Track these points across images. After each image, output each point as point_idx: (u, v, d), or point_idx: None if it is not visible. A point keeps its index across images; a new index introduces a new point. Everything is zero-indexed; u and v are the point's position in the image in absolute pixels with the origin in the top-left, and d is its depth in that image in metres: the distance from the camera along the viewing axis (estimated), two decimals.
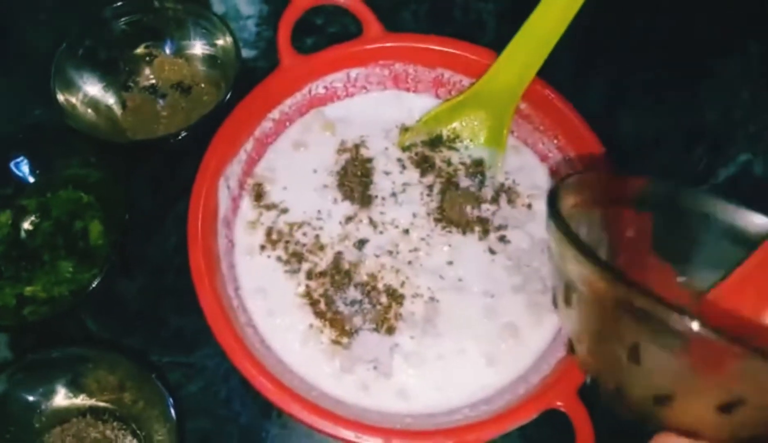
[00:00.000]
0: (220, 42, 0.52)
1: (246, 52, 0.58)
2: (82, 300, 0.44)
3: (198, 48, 0.53)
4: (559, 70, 0.45)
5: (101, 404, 0.42)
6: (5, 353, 0.46)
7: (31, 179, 0.47)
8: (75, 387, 0.42)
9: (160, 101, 0.53)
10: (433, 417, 0.37)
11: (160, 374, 0.41)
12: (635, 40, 0.60)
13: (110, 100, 0.52)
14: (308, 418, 0.34)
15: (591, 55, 0.59)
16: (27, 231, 0.47)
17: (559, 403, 0.34)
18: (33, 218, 0.48)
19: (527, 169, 0.46)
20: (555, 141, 0.45)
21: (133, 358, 0.41)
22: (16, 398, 0.41)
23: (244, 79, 0.50)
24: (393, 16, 0.61)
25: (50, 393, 0.42)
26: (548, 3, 0.41)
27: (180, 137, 0.48)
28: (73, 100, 0.49)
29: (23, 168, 0.47)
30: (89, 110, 0.50)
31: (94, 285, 0.42)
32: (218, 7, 0.61)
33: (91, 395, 0.42)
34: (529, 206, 0.45)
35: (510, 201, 0.45)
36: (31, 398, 0.41)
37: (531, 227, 0.44)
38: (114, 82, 0.52)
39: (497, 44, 0.46)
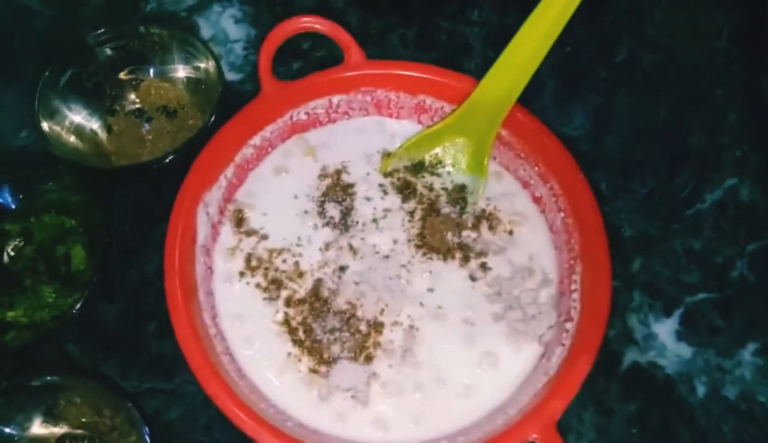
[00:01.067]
0: (203, 65, 0.52)
1: (232, 76, 0.58)
2: (63, 325, 0.44)
3: (181, 71, 0.54)
4: (542, 96, 0.46)
5: (78, 431, 0.42)
6: None
7: (13, 205, 0.48)
8: (52, 415, 0.42)
9: (146, 125, 0.54)
10: None
11: (136, 402, 0.41)
12: (619, 66, 0.60)
13: (95, 125, 0.52)
14: None
15: (574, 81, 0.59)
16: (10, 256, 0.47)
17: (535, 435, 0.34)
18: (16, 242, 0.48)
19: (509, 195, 0.46)
20: (536, 168, 0.45)
21: (110, 385, 0.41)
22: None
23: (230, 102, 0.50)
24: (380, 41, 0.62)
25: (27, 422, 0.41)
26: (527, 30, 0.41)
27: (166, 161, 0.48)
28: (57, 128, 0.49)
29: (5, 194, 0.47)
30: (73, 138, 0.50)
31: (75, 310, 0.42)
32: (207, 31, 0.61)
33: (67, 422, 0.42)
34: (510, 232, 0.45)
35: (491, 227, 0.45)
36: (7, 429, 0.41)
37: (512, 253, 0.44)
38: (99, 107, 0.52)
39: (484, 68, 0.46)
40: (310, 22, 0.45)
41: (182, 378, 0.46)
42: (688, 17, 0.63)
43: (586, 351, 0.37)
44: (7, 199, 0.47)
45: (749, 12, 0.63)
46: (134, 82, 0.54)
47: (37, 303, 0.46)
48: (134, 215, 0.52)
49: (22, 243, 0.48)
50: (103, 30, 0.51)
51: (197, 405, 0.45)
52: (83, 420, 0.42)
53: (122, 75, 0.53)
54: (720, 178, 0.55)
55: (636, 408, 0.46)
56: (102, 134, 0.52)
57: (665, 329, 0.49)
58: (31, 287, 0.46)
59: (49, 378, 0.42)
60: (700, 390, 0.47)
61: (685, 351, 0.48)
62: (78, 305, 0.43)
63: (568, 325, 0.40)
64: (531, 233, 0.45)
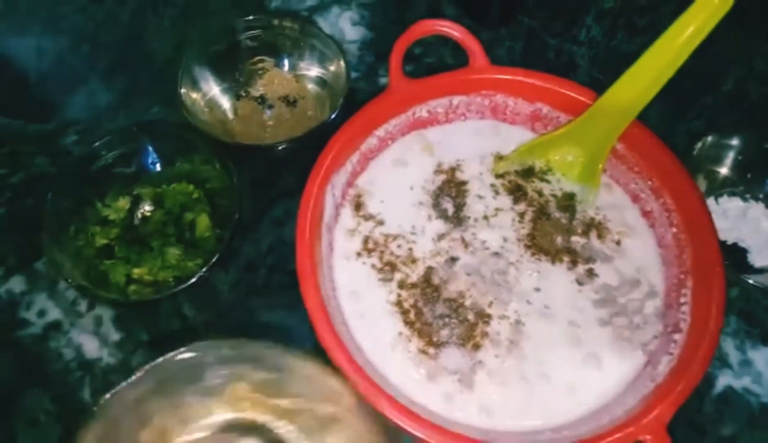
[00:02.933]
0: (332, 67, 0.55)
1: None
2: (183, 288, 0.47)
3: (311, 69, 0.57)
4: (648, 116, 0.47)
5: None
6: (109, 328, 0.49)
7: (152, 170, 0.51)
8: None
9: (267, 112, 0.57)
10: (517, 436, 0.38)
11: None
12: (725, 96, 0.61)
13: (225, 104, 0.56)
14: (399, 419, 0.36)
15: (679, 106, 0.60)
16: (141, 218, 0.51)
17: (648, 437, 0.35)
18: (147, 206, 0.52)
19: (618, 207, 0.47)
20: (649, 182, 0.46)
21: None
22: None
23: (346, 98, 0.54)
24: (489, 52, 0.64)
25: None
26: (661, 45, 0.41)
27: (282, 147, 0.52)
28: (195, 96, 0.53)
29: (146, 158, 0.51)
30: (206, 110, 0.54)
31: (199, 275, 0.45)
32: (325, 30, 0.65)
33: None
34: (618, 242, 0.46)
35: (600, 236, 0.46)
36: None
37: (619, 263, 0.45)
38: (230, 89, 0.56)
39: (589, 86, 0.48)
40: (444, 26, 0.47)
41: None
42: None
43: (698, 362, 0.37)
44: (148, 164, 0.51)
45: None
46: (260, 72, 0.58)
47: (162, 264, 0.49)
48: (252, 193, 0.55)
49: (153, 207, 0.51)
50: (250, 17, 0.55)
51: None
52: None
53: (252, 63, 0.57)
54: None
55: (729, 433, 0.46)
56: (229, 114, 0.56)
57: (762, 357, 0.49)
58: (158, 248, 0.50)
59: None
60: None
61: None
62: (202, 271, 0.46)
63: (677, 336, 0.40)
64: (639, 245, 0.46)
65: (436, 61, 0.64)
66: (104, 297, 0.47)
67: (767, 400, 0.47)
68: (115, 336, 0.49)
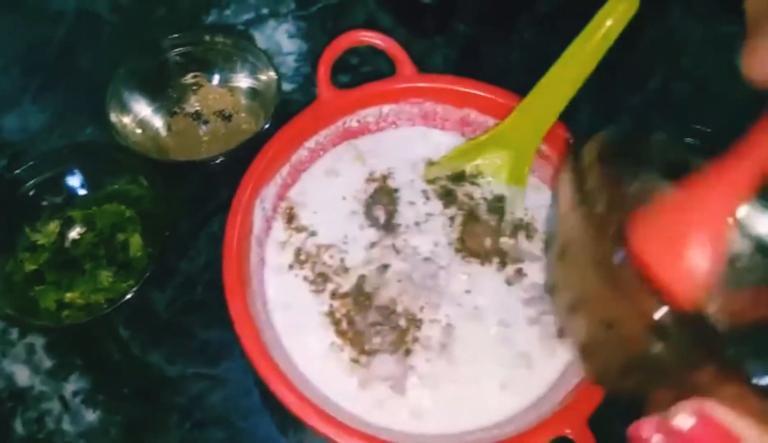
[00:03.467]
0: (263, 77, 0.56)
1: (285, 86, 0.62)
2: (117, 309, 0.46)
3: (242, 80, 0.57)
4: (578, 117, 0.48)
5: None
6: (42, 356, 0.48)
7: (81, 192, 0.51)
8: None
9: (203, 127, 0.57)
10: (446, 438, 0.38)
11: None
12: (652, 97, 0.63)
13: (157, 123, 0.56)
14: (327, 431, 0.36)
15: (608, 105, 0.61)
16: (72, 241, 0.51)
17: (568, 431, 0.35)
18: (79, 228, 0.51)
19: (546, 207, 0.48)
20: None
21: None
22: None
23: (281, 110, 0.54)
24: (425, 60, 0.65)
25: None
26: (572, 52, 0.43)
27: (218, 161, 0.51)
28: (125, 119, 0.53)
29: (74, 181, 0.50)
30: (138, 130, 0.54)
31: (129, 295, 0.45)
32: (262, 43, 0.65)
33: None
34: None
35: (528, 236, 0.47)
36: None
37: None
38: (162, 107, 0.56)
39: (524, 90, 0.49)
40: (369, 37, 0.48)
41: (226, 365, 0.48)
42: (720, 49, 0.66)
43: None
44: (76, 187, 0.50)
45: None
46: (194, 87, 0.58)
47: (94, 286, 0.49)
48: (188, 209, 0.55)
49: (84, 230, 0.51)
50: (176, 35, 0.55)
51: (239, 391, 0.47)
52: None
53: (185, 79, 0.57)
54: None
55: None
56: (163, 132, 0.56)
57: None
58: (89, 271, 0.49)
59: None
60: None
61: None
62: (133, 291, 0.45)
63: None
64: None
65: (373, 71, 0.64)
66: (34, 325, 0.47)
67: None
68: (47, 363, 0.48)
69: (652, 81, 0.64)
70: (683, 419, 0.25)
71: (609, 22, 0.41)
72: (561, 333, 0.42)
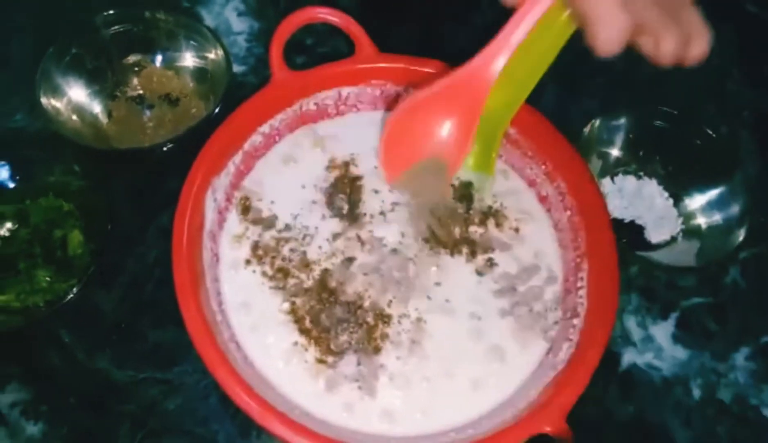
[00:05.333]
0: (211, 55, 0.52)
1: (236, 68, 0.58)
2: (57, 311, 0.43)
3: (188, 60, 0.53)
4: (543, 100, 0.46)
5: None
6: None
7: (11, 185, 0.46)
8: None
9: (147, 112, 0.53)
10: (419, 440, 0.36)
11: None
12: (616, 78, 0.62)
13: (96, 108, 0.51)
14: (292, 438, 0.33)
15: (574, 87, 0.60)
16: (3, 238, 0.46)
17: (547, 428, 0.34)
18: (10, 224, 0.46)
19: (515, 193, 0.47)
20: (543, 166, 0.45)
21: None
22: None
23: (233, 93, 0.50)
24: (383, 40, 0.62)
25: None
26: (538, 34, 0.41)
27: (165, 149, 0.48)
28: (58, 105, 0.48)
29: (3, 173, 0.46)
30: (74, 116, 0.49)
31: (71, 296, 0.41)
32: (209, 22, 0.61)
33: None
34: (517, 230, 0.45)
35: (498, 224, 0.45)
36: None
37: (518, 250, 0.44)
38: (101, 91, 0.52)
39: None
40: (324, 13, 0.45)
41: (181, 369, 0.45)
42: None
43: (594, 346, 0.37)
44: (5, 179, 0.46)
45: (742, 29, 0.65)
46: (137, 69, 0.53)
47: (31, 288, 0.45)
48: (134, 202, 0.51)
49: (16, 226, 0.46)
50: (111, 12, 0.50)
51: (196, 396, 0.44)
52: None
53: (126, 60, 0.53)
54: None
55: (634, 410, 0.47)
56: (102, 118, 0.51)
57: (662, 332, 0.50)
58: (25, 270, 0.45)
59: None
60: (696, 393, 0.47)
61: (681, 353, 0.49)
62: (74, 291, 0.42)
63: (575, 321, 0.40)
64: (536, 231, 0.45)
65: (330, 51, 0.61)
66: None
67: (668, 373, 0.48)
68: None
69: (617, 61, 0.63)
70: None
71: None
72: None
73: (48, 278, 0.45)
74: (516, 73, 0.42)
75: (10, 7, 0.59)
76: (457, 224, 0.44)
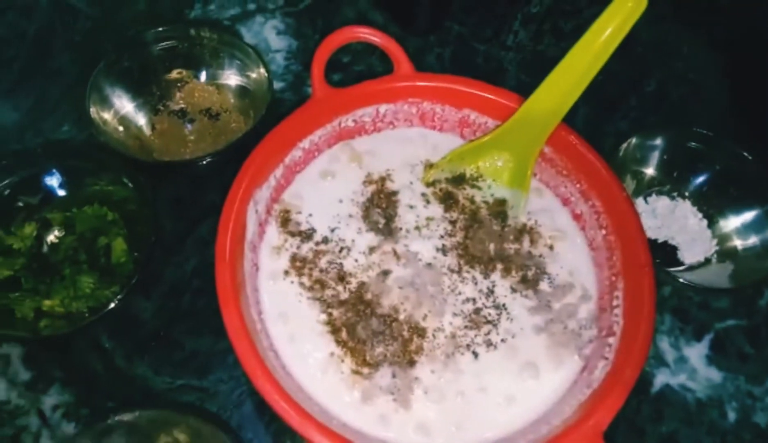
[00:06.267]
0: (253, 74, 0.53)
1: (275, 84, 0.59)
2: (99, 318, 0.44)
3: (231, 78, 0.55)
4: (575, 121, 0.47)
5: None
6: (18, 368, 0.45)
7: (60, 193, 0.48)
8: None
9: (188, 126, 0.54)
10: None
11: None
12: (648, 99, 0.62)
13: (141, 120, 0.53)
14: None
15: (606, 108, 0.61)
16: (50, 244, 0.47)
17: None
18: (57, 231, 0.48)
19: (549, 211, 0.47)
20: (578, 185, 0.46)
21: (214, 421, 0.41)
22: None
23: (272, 109, 0.51)
24: (418, 59, 0.63)
25: None
26: (577, 53, 0.42)
27: (205, 162, 0.49)
28: (106, 116, 0.50)
29: (52, 181, 0.47)
30: (120, 128, 0.51)
31: (115, 303, 0.42)
32: (249, 40, 0.63)
33: None
34: (551, 247, 0.45)
35: (532, 242, 0.45)
36: None
37: (553, 268, 0.44)
38: (145, 104, 0.53)
39: (517, 90, 0.47)
40: (365, 33, 0.46)
41: (215, 377, 0.46)
42: (712, 53, 0.65)
43: (631, 365, 0.37)
44: (54, 187, 0.47)
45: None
46: (179, 84, 0.55)
47: (75, 293, 0.46)
48: (174, 213, 0.52)
49: (63, 233, 0.48)
50: (159, 29, 0.52)
51: (230, 404, 0.45)
52: None
53: (169, 75, 0.54)
54: None
55: (668, 430, 0.46)
56: (146, 130, 0.53)
57: (696, 353, 0.49)
58: (69, 276, 0.46)
59: (151, 412, 0.41)
60: (731, 416, 0.47)
61: (716, 375, 0.48)
62: (117, 298, 0.43)
63: (611, 339, 0.40)
64: (571, 249, 0.45)
65: (366, 69, 0.62)
66: (9, 335, 0.43)
67: (702, 395, 0.47)
68: (24, 375, 0.45)
69: (647, 83, 0.63)
70: None
71: (616, 22, 0.40)
72: None
73: (92, 285, 0.46)
74: (559, 86, 0.42)
75: (66, 25, 0.61)
76: (491, 240, 0.45)
